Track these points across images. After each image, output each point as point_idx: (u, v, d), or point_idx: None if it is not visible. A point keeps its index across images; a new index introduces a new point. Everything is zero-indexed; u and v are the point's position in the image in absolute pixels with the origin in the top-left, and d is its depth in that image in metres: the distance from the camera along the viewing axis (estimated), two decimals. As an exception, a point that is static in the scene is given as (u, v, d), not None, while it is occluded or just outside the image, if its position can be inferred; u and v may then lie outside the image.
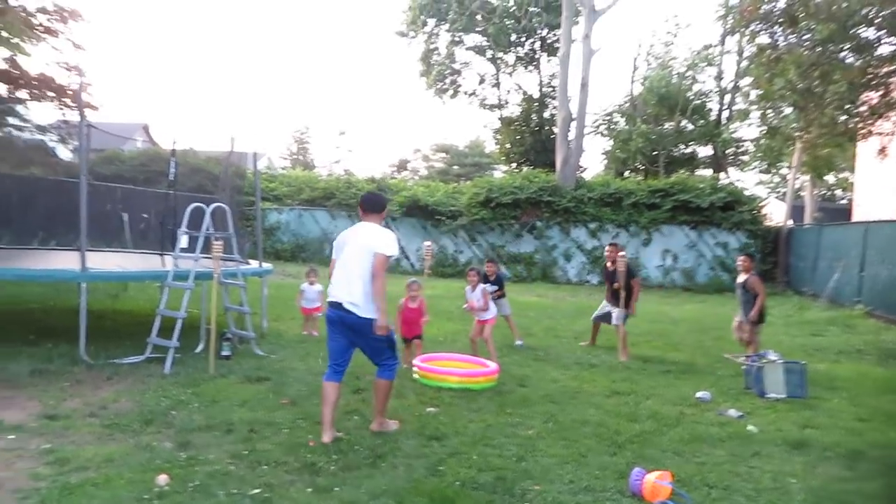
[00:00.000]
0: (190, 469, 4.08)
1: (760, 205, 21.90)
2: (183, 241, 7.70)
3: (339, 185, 24.77)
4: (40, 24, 15.06)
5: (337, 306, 4.81)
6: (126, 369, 6.58)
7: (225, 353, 7.21)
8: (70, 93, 15.58)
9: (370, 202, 5.13)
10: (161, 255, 9.22)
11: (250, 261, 9.79)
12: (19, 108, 16.57)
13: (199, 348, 7.51)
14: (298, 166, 47.62)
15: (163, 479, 3.87)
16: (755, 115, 23.89)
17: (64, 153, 18.77)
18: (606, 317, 9.21)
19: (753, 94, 22.54)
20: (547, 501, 3.95)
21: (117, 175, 23.09)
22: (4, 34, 11.57)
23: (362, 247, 4.80)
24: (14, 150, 16.13)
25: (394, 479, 4.12)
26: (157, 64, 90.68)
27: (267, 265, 9.84)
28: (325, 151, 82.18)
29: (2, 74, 15.23)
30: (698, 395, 6.77)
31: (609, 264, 9.20)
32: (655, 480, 4.04)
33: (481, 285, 8.11)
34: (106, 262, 8.60)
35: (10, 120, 16.27)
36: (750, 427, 5.70)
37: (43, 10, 14.98)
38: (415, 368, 6.92)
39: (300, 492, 3.86)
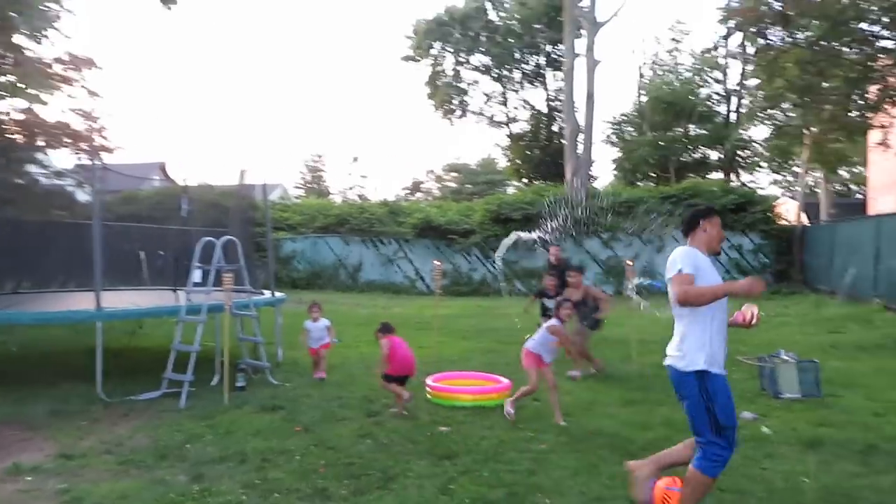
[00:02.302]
0: (202, 501, 4.14)
1: (773, 204, 21.72)
2: (196, 275, 7.83)
3: (353, 210, 25.06)
4: (56, 74, 15.42)
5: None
6: (142, 405, 6.68)
7: (240, 384, 7.29)
8: (85, 137, 15.92)
9: (683, 223, 4.11)
10: (174, 290, 9.36)
11: (264, 290, 9.91)
12: (39, 155, 16.92)
13: (215, 381, 7.60)
14: (313, 194, 48.07)
15: (176, 511, 3.95)
16: (763, 115, 23.82)
17: (83, 196, 19.12)
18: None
19: (759, 94, 22.46)
20: (556, 514, 3.96)
21: (134, 214, 23.43)
22: (21, 85, 11.84)
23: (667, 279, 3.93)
24: (34, 197, 16.44)
25: (405, 500, 4.15)
26: (172, 102, 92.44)
27: (280, 294, 9.93)
28: (340, 178, 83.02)
29: (19, 124, 15.59)
30: (713, 399, 6.72)
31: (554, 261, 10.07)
32: (665, 487, 4.04)
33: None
34: (121, 300, 8.75)
35: (30, 167, 16.61)
36: (764, 428, 5.68)
37: (59, 60, 15.34)
38: (427, 388, 6.96)
39: (311, 517, 3.91)
